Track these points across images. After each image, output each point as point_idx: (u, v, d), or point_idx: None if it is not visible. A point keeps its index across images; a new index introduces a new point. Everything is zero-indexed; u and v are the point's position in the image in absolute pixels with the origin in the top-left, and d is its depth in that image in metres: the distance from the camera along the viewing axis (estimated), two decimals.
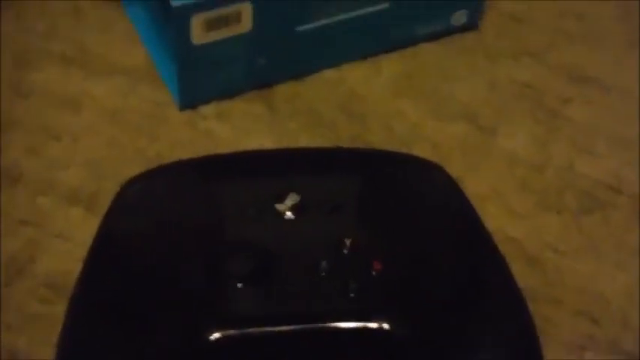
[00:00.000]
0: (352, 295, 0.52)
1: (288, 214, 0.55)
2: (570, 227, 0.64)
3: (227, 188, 0.57)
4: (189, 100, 0.69)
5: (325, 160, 0.60)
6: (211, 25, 0.65)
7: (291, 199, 0.55)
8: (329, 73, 0.72)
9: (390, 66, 0.73)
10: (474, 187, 0.65)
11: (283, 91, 0.70)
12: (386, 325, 0.51)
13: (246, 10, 0.66)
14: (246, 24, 0.66)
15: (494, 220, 0.63)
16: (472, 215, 0.57)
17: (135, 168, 0.64)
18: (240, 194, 0.56)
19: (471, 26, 0.75)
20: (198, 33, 0.65)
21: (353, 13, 0.70)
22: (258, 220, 0.54)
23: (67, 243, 0.61)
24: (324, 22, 0.69)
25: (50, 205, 0.63)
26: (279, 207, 0.55)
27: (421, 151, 0.67)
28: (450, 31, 0.74)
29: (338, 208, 0.55)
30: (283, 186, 0.56)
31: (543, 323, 0.58)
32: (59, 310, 0.56)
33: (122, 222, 0.56)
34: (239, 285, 0.52)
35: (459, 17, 0.74)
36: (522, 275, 0.57)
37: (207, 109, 0.69)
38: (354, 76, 0.72)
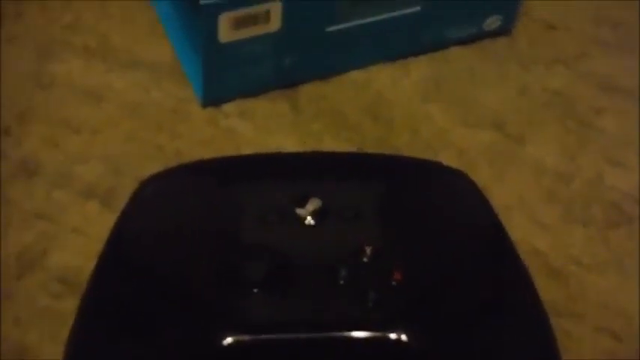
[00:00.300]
0: (371, 304, 0.50)
1: (309, 219, 0.53)
2: (596, 240, 0.63)
3: (247, 190, 0.55)
4: (212, 98, 0.68)
5: (349, 165, 0.58)
6: (239, 24, 0.64)
7: (313, 204, 0.54)
8: (356, 75, 0.70)
9: (419, 69, 0.71)
10: (500, 195, 0.63)
11: (308, 91, 0.69)
12: (404, 337, 0.50)
13: (276, 9, 0.64)
14: (275, 23, 0.65)
15: (519, 230, 0.61)
16: (497, 226, 0.56)
17: (154, 164, 0.63)
18: (261, 197, 0.54)
19: (503, 31, 0.73)
20: (226, 31, 0.64)
21: (384, 15, 0.69)
22: (277, 224, 0.53)
23: (81, 238, 0.60)
24: (354, 23, 0.68)
25: (66, 199, 0.62)
26: (300, 212, 0.54)
27: (447, 157, 0.66)
28: (481, 36, 0.73)
29: (360, 214, 0.54)
30: (305, 190, 0.54)
31: (564, 338, 0.57)
32: (70, 305, 0.55)
33: (138, 221, 0.55)
34: (255, 290, 0.50)
35: (492, 22, 0.72)
36: (545, 288, 0.56)
37: (230, 107, 0.68)
38: (382, 78, 0.70)
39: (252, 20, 0.64)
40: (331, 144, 0.66)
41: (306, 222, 0.54)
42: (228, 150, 0.65)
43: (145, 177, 0.58)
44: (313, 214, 0.54)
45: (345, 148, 0.66)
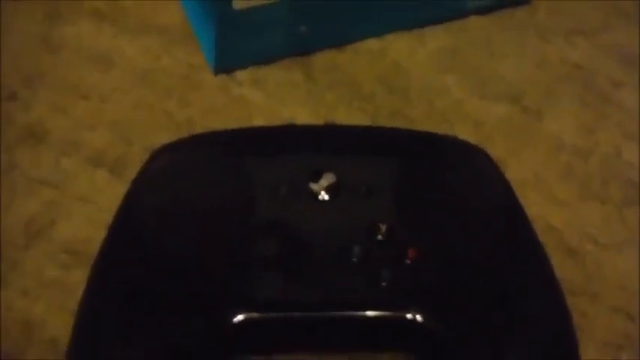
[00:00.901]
0: (384, 283, 0.49)
1: (323, 194, 0.52)
2: (613, 219, 0.62)
3: (260, 164, 0.54)
4: (224, 65, 0.66)
5: (364, 140, 0.57)
6: None
7: (327, 179, 0.53)
8: (371, 43, 0.69)
9: (436, 39, 0.70)
10: (516, 170, 0.62)
11: (322, 59, 0.68)
12: (418, 317, 0.49)
13: None
14: None
15: (535, 207, 0.60)
16: (514, 204, 0.55)
17: (164, 133, 0.62)
18: (274, 171, 0.53)
19: (523, 1, 0.72)
20: None
21: None
22: (290, 199, 0.52)
23: (90, 207, 0.59)
24: None
25: (74, 167, 0.61)
26: (314, 187, 0.52)
27: (463, 130, 0.64)
28: (501, 5, 0.71)
29: (374, 190, 0.53)
30: (319, 165, 0.53)
31: (579, 318, 0.56)
32: (78, 276, 0.55)
33: (149, 193, 0.54)
34: (266, 267, 0.49)
35: None
36: (561, 267, 0.55)
37: (243, 75, 0.66)
38: (397, 47, 0.69)
39: None
40: (345, 114, 0.65)
41: (320, 197, 0.53)
42: (239, 119, 0.64)
43: (155, 146, 0.57)
44: (327, 190, 0.53)
45: (359, 118, 0.65)
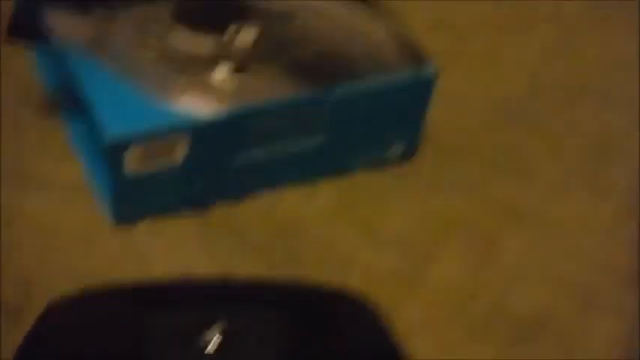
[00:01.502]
0: None
1: (212, 347, 0.54)
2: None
3: (152, 317, 0.55)
4: (123, 219, 0.69)
5: (256, 292, 0.59)
6: (146, 155, 0.65)
7: (216, 331, 0.54)
8: (265, 197, 0.72)
9: (326, 193, 0.73)
10: (405, 317, 0.64)
11: (218, 212, 0.70)
12: None
13: (182, 141, 0.66)
14: (181, 153, 0.66)
15: (425, 353, 0.62)
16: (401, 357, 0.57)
17: (67, 285, 0.63)
18: (165, 323, 0.55)
19: (407, 157, 0.75)
20: (133, 163, 0.65)
21: (289, 148, 0.71)
22: (180, 353, 0.53)
23: None
24: (259, 153, 0.70)
25: None
26: (203, 340, 0.54)
27: (354, 279, 0.67)
28: (386, 162, 0.75)
29: (263, 343, 0.54)
30: (209, 317, 0.55)
31: None
32: None
33: (41, 347, 0.55)
34: None
35: (396, 149, 0.74)
36: None
37: (141, 227, 0.69)
38: (290, 201, 0.72)
39: (159, 151, 0.66)
40: (240, 265, 0.67)
41: (209, 350, 0.54)
42: (139, 269, 0.66)
43: (52, 299, 0.58)
44: (217, 342, 0.54)
45: (255, 268, 0.67)
